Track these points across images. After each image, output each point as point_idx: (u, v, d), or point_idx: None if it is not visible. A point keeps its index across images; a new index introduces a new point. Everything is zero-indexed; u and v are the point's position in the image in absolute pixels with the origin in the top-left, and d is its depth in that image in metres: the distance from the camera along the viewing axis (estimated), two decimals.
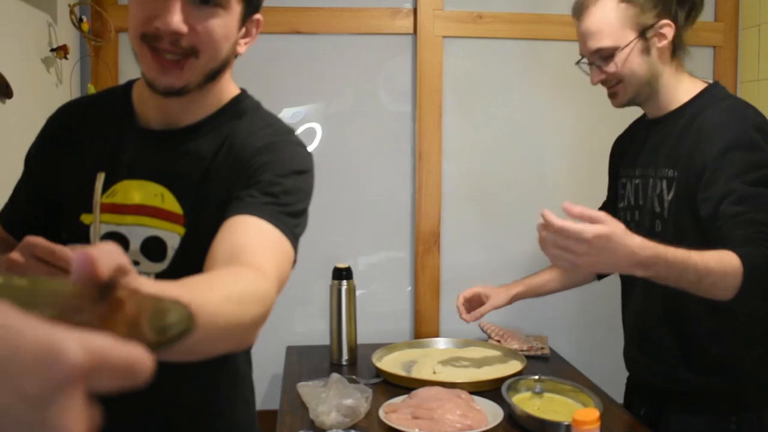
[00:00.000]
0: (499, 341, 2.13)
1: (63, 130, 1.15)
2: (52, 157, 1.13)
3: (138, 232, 1.06)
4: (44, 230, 0.98)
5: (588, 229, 1.14)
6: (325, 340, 2.13)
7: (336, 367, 2.01)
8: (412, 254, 2.43)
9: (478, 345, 2.10)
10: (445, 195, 2.42)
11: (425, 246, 2.41)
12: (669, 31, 1.49)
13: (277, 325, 2.39)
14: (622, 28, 1.47)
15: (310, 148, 2.36)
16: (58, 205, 1.12)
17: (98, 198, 1.05)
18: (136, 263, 1.05)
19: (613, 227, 1.17)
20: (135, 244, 1.06)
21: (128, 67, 2.26)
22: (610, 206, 1.76)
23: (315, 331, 2.33)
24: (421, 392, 1.63)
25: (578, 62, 1.59)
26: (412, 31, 2.37)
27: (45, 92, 1.91)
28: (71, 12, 2.05)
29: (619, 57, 1.48)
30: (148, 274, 1.04)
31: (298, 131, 2.37)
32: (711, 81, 1.57)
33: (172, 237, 1.05)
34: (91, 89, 2.08)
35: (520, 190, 2.47)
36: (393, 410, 1.58)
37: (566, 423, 1.42)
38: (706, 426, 1.50)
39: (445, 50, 2.37)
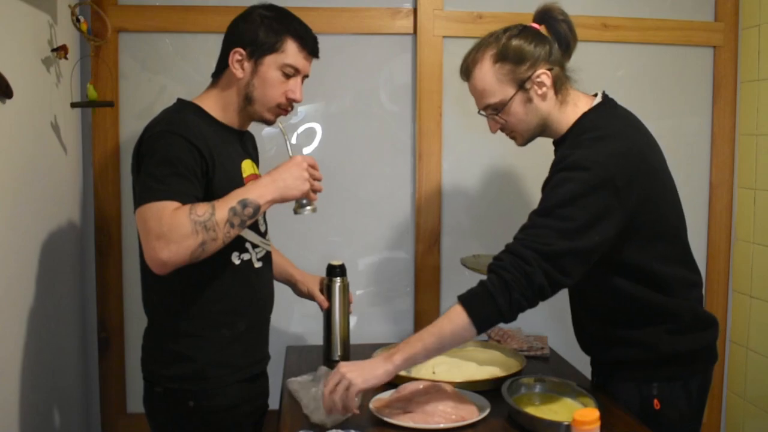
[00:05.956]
0: (499, 341, 2.13)
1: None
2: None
3: None
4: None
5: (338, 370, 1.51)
6: None
7: (329, 362, 2.01)
8: (412, 254, 2.43)
9: (478, 345, 2.09)
10: (445, 195, 2.43)
11: (425, 246, 2.41)
12: (546, 78, 1.61)
13: (277, 325, 2.40)
14: (501, 84, 1.62)
15: (310, 148, 2.38)
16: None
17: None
18: None
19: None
20: None
21: (128, 67, 2.26)
22: None
23: (314, 331, 2.32)
24: (408, 386, 1.65)
25: (479, 112, 1.71)
26: (412, 31, 2.38)
27: (45, 92, 1.91)
28: (71, 12, 2.05)
29: (505, 111, 1.63)
30: None
31: (299, 131, 2.38)
32: (598, 96, 1.67)
33: None
34: (91, 89, 2.08)
35: (520, 190, 2.47)
36: (384, 405, 1.59)
37: (566, 423, 1.42)
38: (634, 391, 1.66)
39: (445, 50, 2.38)
